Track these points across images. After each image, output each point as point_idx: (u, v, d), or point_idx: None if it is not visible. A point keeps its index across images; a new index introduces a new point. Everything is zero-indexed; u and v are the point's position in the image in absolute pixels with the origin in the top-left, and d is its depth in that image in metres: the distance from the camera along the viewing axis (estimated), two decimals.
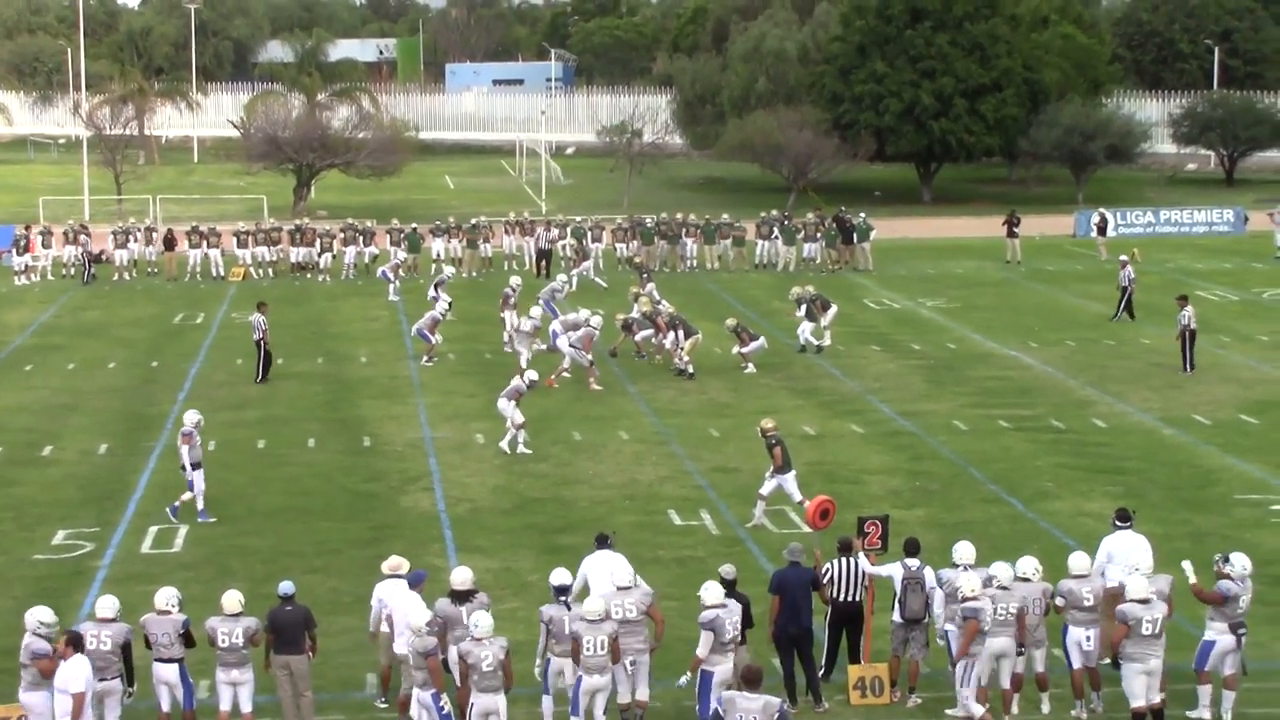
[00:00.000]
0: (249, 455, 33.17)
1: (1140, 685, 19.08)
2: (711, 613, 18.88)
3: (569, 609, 19.25)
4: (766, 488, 27.83)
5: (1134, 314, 48.07)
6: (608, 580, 19.96)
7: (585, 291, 52.63)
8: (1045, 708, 20.01)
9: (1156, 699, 19.17)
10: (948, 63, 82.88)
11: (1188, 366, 40.44)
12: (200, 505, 28.43)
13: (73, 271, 58.28)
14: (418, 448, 33.67)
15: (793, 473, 27.76)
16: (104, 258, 58.90)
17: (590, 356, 39.46)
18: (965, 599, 19.34)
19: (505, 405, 33.10)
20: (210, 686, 19.62)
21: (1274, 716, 20.08)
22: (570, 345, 39.57)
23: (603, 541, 21.20)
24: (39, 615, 18.46)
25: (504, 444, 32.93)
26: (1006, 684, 19.65)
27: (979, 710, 19.33)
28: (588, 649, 18.62)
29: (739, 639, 19.13)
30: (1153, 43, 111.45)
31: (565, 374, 39.37)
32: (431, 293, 46.65)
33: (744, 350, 40.75)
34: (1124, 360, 42.48)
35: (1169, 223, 72.39)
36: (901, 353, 43.77)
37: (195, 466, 28.35)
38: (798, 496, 27.66)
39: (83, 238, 58.78)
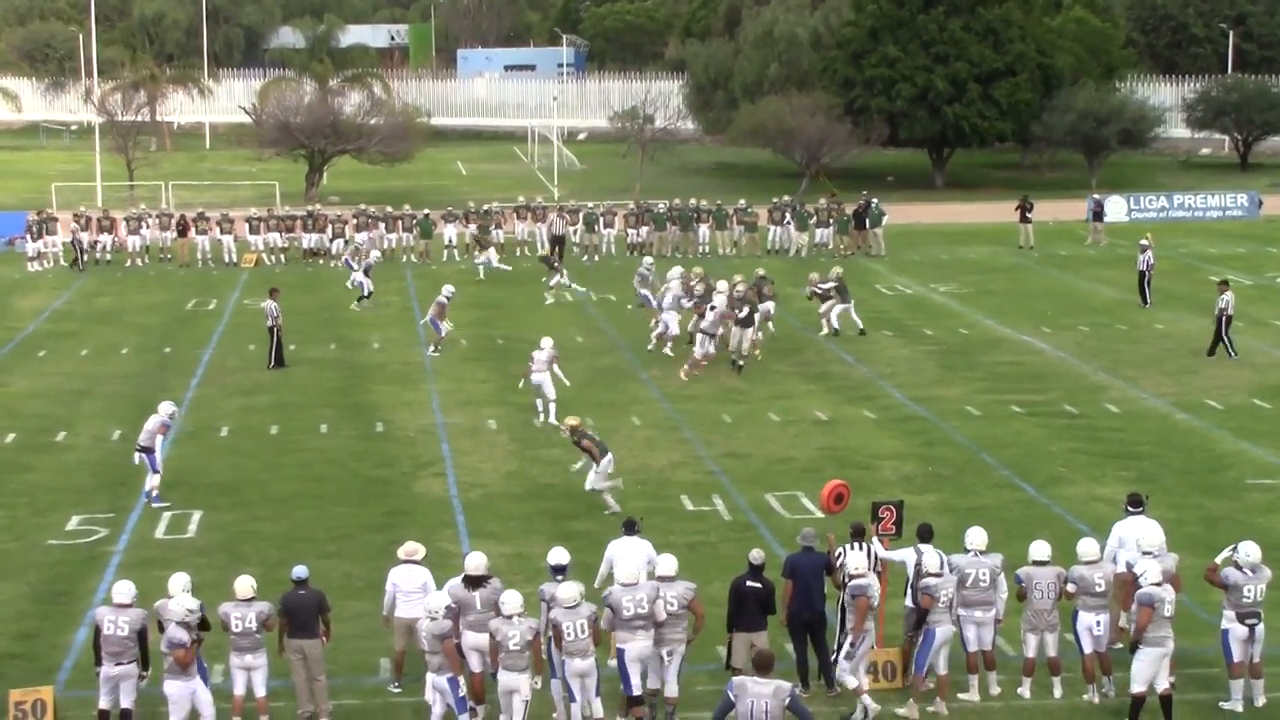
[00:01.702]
0: (262, 441, 33.22)
1: (1154, 670, 19.08)
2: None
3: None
4: (590, 482, 27.67)
5: (1148, 299, 47.99)
6: (634, 565, 19.96)
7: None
8: (1058, 692, 20.02)
9: (1166, 684, 19.17)
10: (961, 47, 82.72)
11: (1230, 352, 40.20)
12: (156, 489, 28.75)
13: (85, 258, 58.33)
14: (430, 433, 33.71)
15: (608, 457, 27.64)
16: (98, 246, 58.52)
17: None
18: (852, 577, 19.60)
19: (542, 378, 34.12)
20: (224, 671, 19.68)
21: None
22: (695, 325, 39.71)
23: (630, 527, 21.24)
24: (186, 603, 18.41)
25: (551, 419, 33.64)
26: (942, 668, 19.80)
27: (853, 682, 19.49)
28: (568, 634, 18.66)
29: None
30: (1167, 26, 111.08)
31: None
32: (350, 266, 49.68)
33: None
34: (1137, 345, 42.42)
35: (1183, 207, 72.27)
36: (914, 338, 43.75)
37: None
38: (601, 485, 27.56)
39: (73, 225, 58.54)
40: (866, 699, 19.48)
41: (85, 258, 57.67)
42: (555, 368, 34.72)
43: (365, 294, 48.66)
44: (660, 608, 19.17)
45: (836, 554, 20.63)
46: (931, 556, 20.05)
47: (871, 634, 19.71)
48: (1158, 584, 19.11)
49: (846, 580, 19.98)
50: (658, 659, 19.31)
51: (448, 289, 43.03)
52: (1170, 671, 19.43)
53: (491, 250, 48.74)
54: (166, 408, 29.51)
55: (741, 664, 19.41)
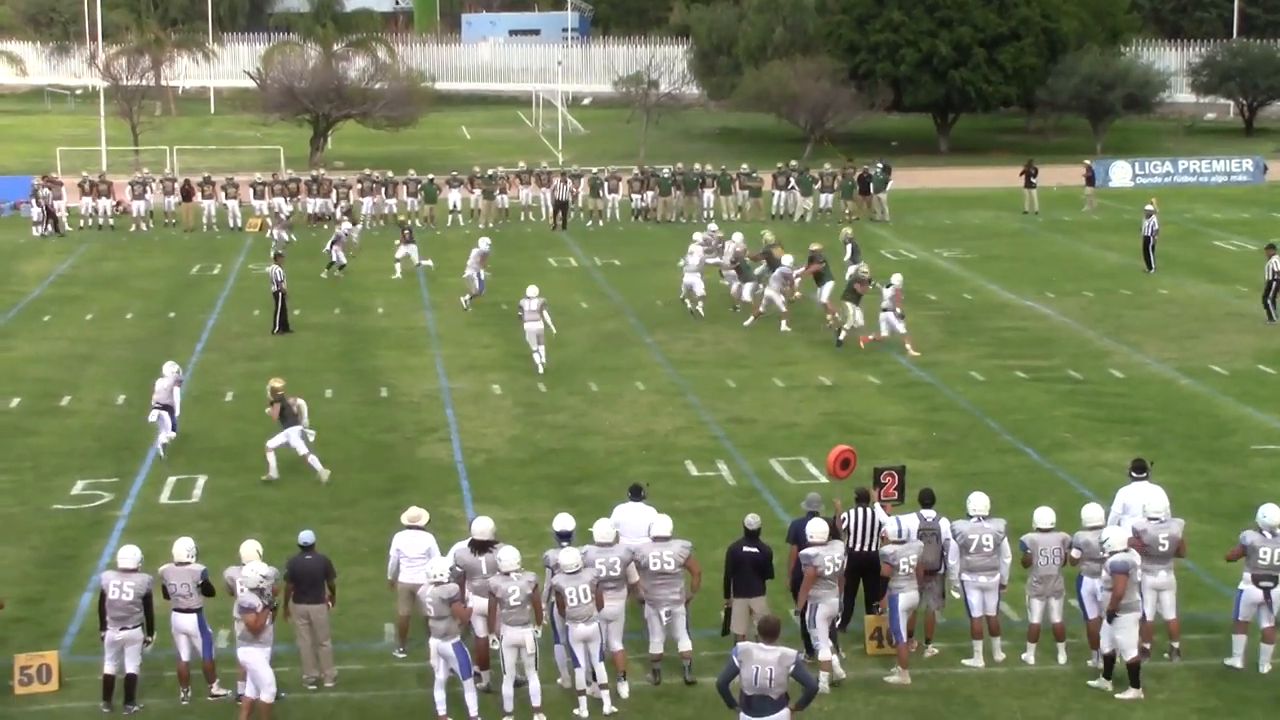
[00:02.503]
0: (266, 406, 33.18)
1: (1134, 636, 19.14)
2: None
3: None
4: (274, 441, 28.09)
5: (1152, 264, 47.94)
6: (642, 530, 20.16)
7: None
8: (1062, 658, 20.05)
9: (1135, 651, 19.23)
10: (965, 12, 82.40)
11: (1271, 316, 40.14)
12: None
13: (87, 224, 58.30)
14: (434, 398, 33.73)
15: (297, 426, 27.99)
16: (98, 211, 58.31)
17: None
18: (811, 542, 19.63)
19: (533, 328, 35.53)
20: (229, 636, 19.72)
21: None
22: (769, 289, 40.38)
23: (636, 493, 21.30)
24: (259, 569, 18.47)
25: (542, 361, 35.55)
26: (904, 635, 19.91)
27: (825, 653, 19.52)
28: (571, 599, 18.78)
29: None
30: None
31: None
32: (331, 251, 48.22)
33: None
34: (1141, 310, 42.39)
35: (1187, 172, 72.07)
36: (918, 303, 43.63)
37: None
38: (302, 450, 27.96)
39: (43, 191, 58.14)
40: (836, 666, 19.56)
41: (51, 223, 57.10)
42: (546, 315, 35.63)
43: (336, 262, 48.02)
44: (632, 570, 19.54)
45: (842, 519, 20.66)
46: (891, 524, 20.13)
47: (827, 600, 19.54)
48: (1125, 551, 19.12)
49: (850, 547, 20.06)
50: (655, 619, 19.48)
51: (485, 241, 44.23)
52: (1145, 637, 19.60)
53: (413, 247, 47.62)
54: (171, 367, 30.14)
55: (741, 630, 19.48)
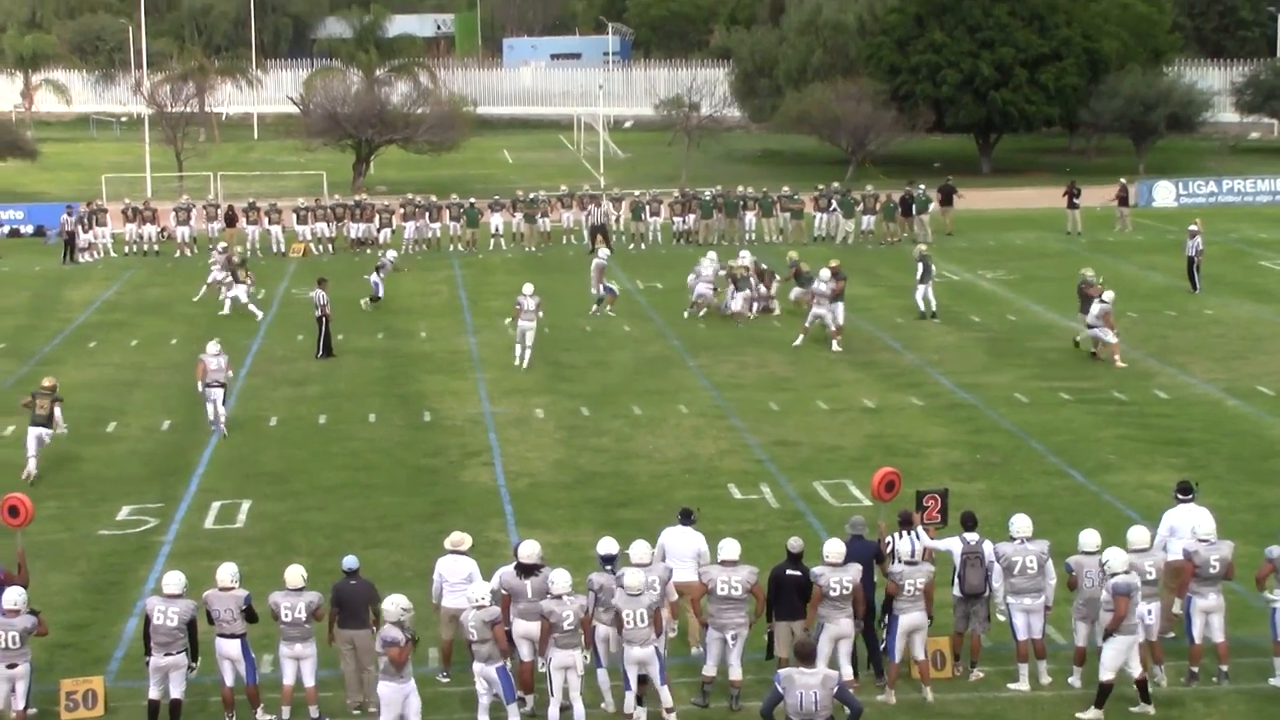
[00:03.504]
0: (310, 431, 33.34)
1: (1124, 658, 19.06)
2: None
3: (616, 577, 19.43)
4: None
5: (1197, 284, 47.71)
6: (688, 555, 20.26)
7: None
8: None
9: (1139, 669, 19.16)
10: (1006, 32, 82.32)
11: None
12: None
13: (132, 250, 58.60)
14: (478, 422, 33.77)
15: (46, 429, 29.62)
16: (77, 238, 57.95)
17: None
18: (826, 562, 19.53)
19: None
20: (273, 661, 19.78)
21: None
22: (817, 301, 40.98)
23: (686, 516, 21.23)
24: (400, 602, 18.32)
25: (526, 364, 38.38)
26: (920, 654, 19.75)
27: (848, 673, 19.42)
28: (629, 621, 18.75)
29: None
30: (1214, 10, 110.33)
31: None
32: (374, 277, 47.96)
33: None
34: (1186, 331, 42.19)
35: (1231, 192, 71.84)
36: (961, 325, 43.61)
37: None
38: (31, 450, 29.65)
39: (63, 216, 58.62)
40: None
41: (70, 250, 57.42)
42: (540, 314, 39.03)
43: (375, 293, 47.64)
44: (671, 590, 19.67)
45: (886, 542, 20.59)
46: (905, 545, 20.04)
47: (835, 620, 19.41)
48: (1127, 573, 19.03)
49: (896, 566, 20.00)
50: (720, 643, 19.42)
51: (604, 251, 47.89)
52: (1158, 660, 19.72)
53: (242, 288, 46.43)
54: (214, 346, 33.17)
55: (784, 654, 19.42)
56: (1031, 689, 19.94)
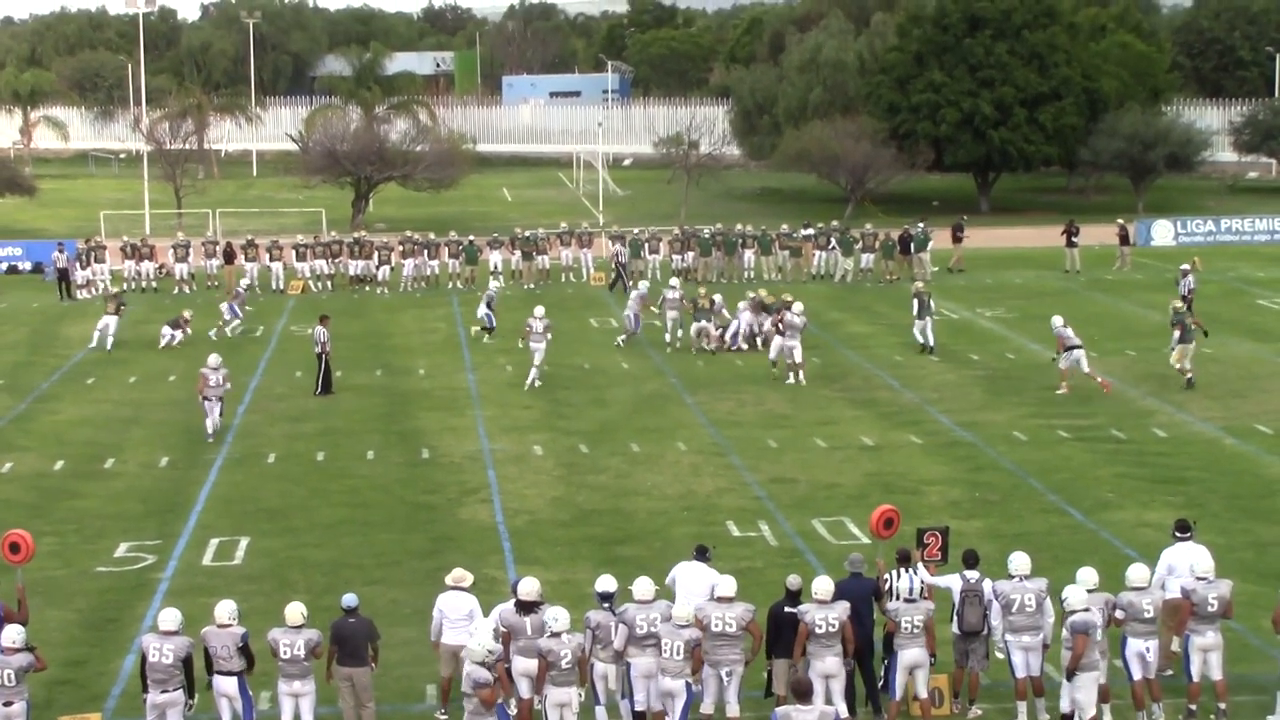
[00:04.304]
0: (308, 467, 33.32)
1: (1093, 695, 19.13)
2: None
3: (614, 615, 19.42)
4: None
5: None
6: (702, 591, 20.18)
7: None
8: (1107, 719, 19.90)
9: (1093, 710, 19.20)
10: (1006, 72, 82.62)
11: None
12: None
13: (131, 286, 58.67)
14: (476, 459, 33.75)
15: None
16: (72, 275, 58.03)
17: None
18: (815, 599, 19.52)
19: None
20: (271, 698, 19.73)
21: None
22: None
23: (702, 553, 21.20)
24: (486, 643, 18.17)
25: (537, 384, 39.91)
26: (922, 692, 19.75)
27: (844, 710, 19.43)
28: (666, 652, 18.81)
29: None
30: (1213, 50, 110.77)
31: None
32: (482, 309, 47.51)
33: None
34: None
35: (1230, 231, 72.01)
36: (960, 363, 43.63)
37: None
38: None
39: (54, 254, 58.86)
40: None
41: (65, 288, 57.61)
42: (549, 336, 40.36)
43: (490, 325, 47.45)
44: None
45: (885, 579, 20.57)
46: (904, 583, 20.11)
47: (821, 658, 19.32)
48: (1086, 610, 19.06)
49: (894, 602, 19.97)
50: (716, 680, 19.37)
51: (644, 283, 49.08)
52: (1156, 698, 19.76)
53: (112, 320, 46.66)
54: (215, 359, 35.47)
55: (782, 691, 19.40)
56: None
